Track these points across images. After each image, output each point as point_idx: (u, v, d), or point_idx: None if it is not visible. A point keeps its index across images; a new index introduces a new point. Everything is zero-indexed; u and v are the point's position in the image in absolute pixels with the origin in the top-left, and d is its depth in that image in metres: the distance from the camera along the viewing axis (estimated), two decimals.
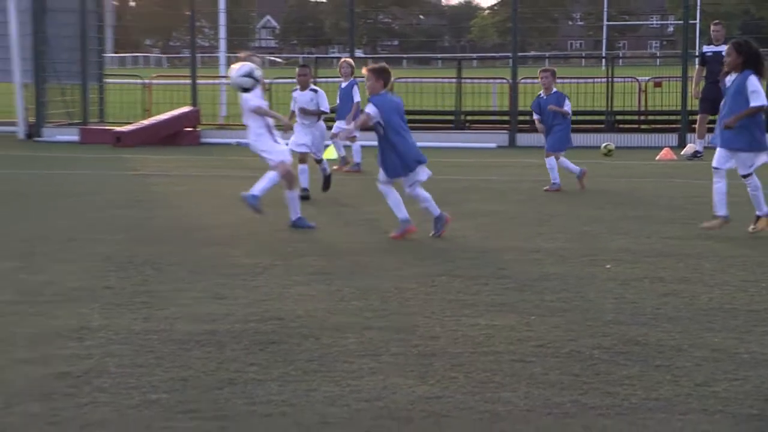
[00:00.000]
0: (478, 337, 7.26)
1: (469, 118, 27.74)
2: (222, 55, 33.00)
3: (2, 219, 13.02)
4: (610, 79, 26.69)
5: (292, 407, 5.77)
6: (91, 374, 6.34)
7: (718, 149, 11.62)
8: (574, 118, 26.79)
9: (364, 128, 11.75)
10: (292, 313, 7.92)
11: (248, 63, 12.03)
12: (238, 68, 11.91)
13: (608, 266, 9.84)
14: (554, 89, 16.19)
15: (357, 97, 18.34)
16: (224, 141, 25.19)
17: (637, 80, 29.09)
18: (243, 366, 6.53)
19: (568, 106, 16.16)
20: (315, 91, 15.06)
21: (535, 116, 16.31)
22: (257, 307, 8.12)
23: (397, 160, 11.37)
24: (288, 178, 11.91)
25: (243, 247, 10.85)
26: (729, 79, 11.67)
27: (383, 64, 11.73)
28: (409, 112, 28.28)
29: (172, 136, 25.00)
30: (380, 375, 6.36)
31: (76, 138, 25.49)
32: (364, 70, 11.71)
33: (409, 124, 11.84)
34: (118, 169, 19.35)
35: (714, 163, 11.61)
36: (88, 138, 25.20)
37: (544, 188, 15.83)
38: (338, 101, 18.75)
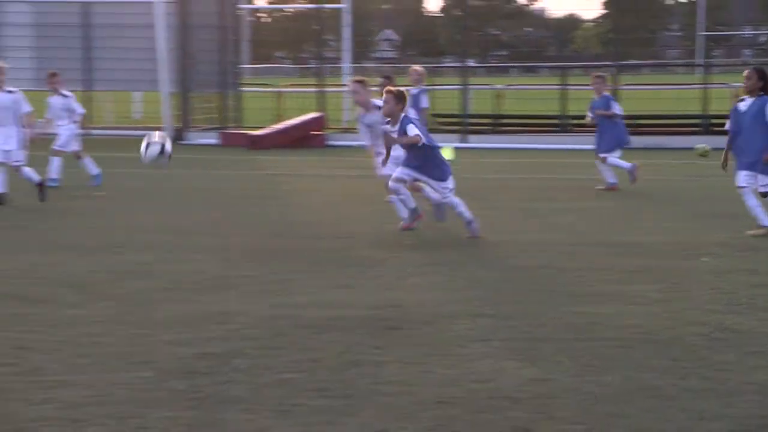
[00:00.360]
0: (581, 324, 7.16)
1: (573, 121, 27.41)
2: (346, 65, 33.20)
3: (150, 213, 13.24)
4: (705, 85, 26.14)
5: (411, 387, 5.76)
6: (229, 355, 6.41)
7: (739, 171, 11.14)
8: (671, 121, 26.63)
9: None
10: (409, 302, 7.91)
11: (141, 145, 12.28)
12: (142, 153, 12.27)
13: (704, 259, 9.64)
14: (604, 93, 16.16)
15: (425, 103, 16.85)
16: (347, 144, 25.29)
17: (731, 86, 28.45)
18: (366, 349, 6.54)
19: (615, 108, 16.00)
20: None
21: (588, 115, 16.30)
22: (377, 296, 8.13)
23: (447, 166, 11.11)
24: (389, 188, 11.59)
25: (362, 241, 10.85)
26: (744, 104, 11.23)
27: (402, 89, 11.13)
28: (517, 116, 28.36)
29: (301, 139, 25.21)
30: (491, 358, 6.31)
31: (216, 141, 25.86)
32: (384, 90, 10.96)
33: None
34: (253, 169, 19.58)
35: (739, 183, 11.14)
36: (227, 141, 25.54)
37: (633, 179, 15.61)
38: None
